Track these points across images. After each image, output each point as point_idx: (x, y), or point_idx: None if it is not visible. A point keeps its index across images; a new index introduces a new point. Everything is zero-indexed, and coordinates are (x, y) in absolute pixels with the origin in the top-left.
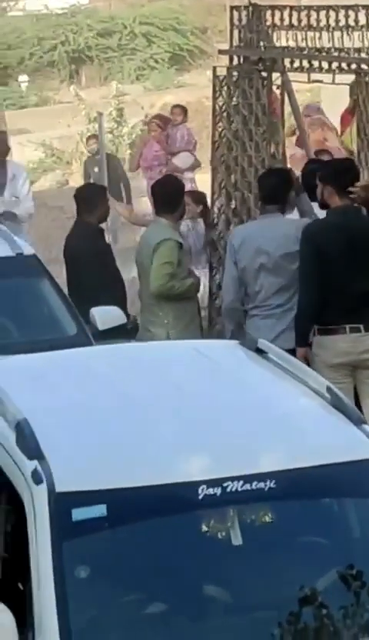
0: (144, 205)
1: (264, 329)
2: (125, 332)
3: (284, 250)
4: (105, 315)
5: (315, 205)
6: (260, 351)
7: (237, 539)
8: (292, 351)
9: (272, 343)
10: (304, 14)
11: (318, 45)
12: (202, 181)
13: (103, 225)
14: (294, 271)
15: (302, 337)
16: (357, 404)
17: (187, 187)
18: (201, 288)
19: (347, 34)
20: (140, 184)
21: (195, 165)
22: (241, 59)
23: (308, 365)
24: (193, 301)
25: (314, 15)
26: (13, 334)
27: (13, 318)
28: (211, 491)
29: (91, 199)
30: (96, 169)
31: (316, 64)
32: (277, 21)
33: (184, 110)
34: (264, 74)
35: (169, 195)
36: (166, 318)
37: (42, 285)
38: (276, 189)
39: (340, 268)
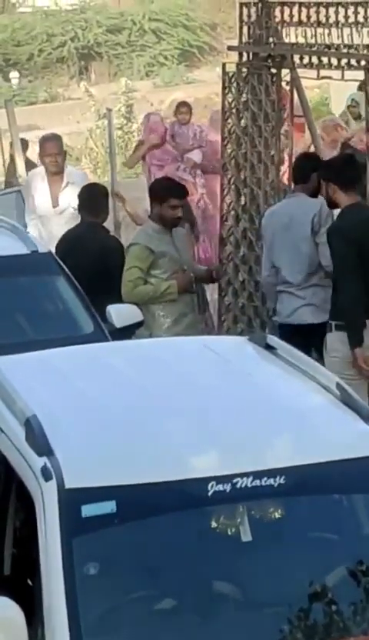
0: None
1: (287, 304)
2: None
3: (300, 228)
4: (122, 313)
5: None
6: (269, 347)
7: (246, 535)
8: (306, 327)
9: (289, 318)
10: (313, 10)
11: (328, 42)
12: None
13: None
14: (307, 250)
15: (357, 336)
16: None
17: (199, 182)
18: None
19: (357, 30)
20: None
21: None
22: (251, 55)
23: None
24: (180, 301)
25: (323, 11)
26: (29, 332)
27: (29, 316)
28: (220, 487)
29: (96, 201)
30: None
31: (325, 60)
32: (286, 17)
33: (190, 108)
34: (274, 70)
35: (151, 198)
36: (150, 317)
37: (58, 283)
38: (300, 170)
39: (363, 263)
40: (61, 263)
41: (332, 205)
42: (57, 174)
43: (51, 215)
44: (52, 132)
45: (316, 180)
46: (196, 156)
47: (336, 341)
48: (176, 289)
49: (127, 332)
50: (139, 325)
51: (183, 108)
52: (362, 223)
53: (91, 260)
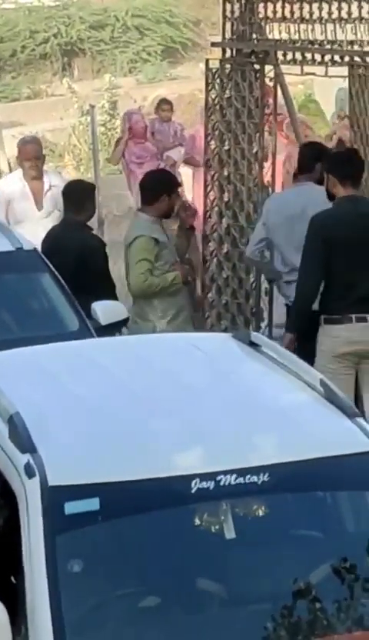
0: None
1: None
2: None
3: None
4: (107, 310)
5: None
6: (253, 344)
7: (230, 533)
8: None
9: None
10: (296, 6)
11: (311, 38)
12: (185, 174)
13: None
14: None
15: (295, 323)
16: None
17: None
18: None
19: (340, 26)
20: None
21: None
22: (234, 52)
23: (294, 352)
24: (180, 293)
25: (306, 7)
26: (14, 330)
27: (14, 313)
28: (204, 484)
29: (79, 198)
30: None
31: (309, 56)
32: (269, 13)
33: (171, 105)
34: (257, 66)
35: (147, 189)
36: (152, 311)
37: (43, 280)
38: (304, 159)
39: (349, 257)
40: (47, 260)
41: (331, 197)
42: (37, 178)
43: (36, 218)
44: (31, 135)
45: (319, 170)
46: (176, 154)
47: (322, 334)
48: (180, 279)
49: (112, 329)
50: (125, 322)
51: (165, 105)
52: (339, 216)
53: (72, 259)
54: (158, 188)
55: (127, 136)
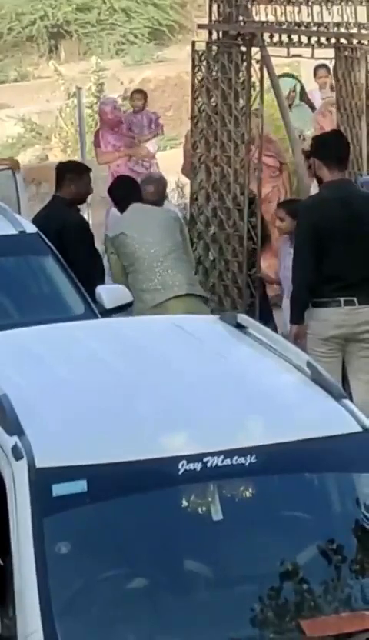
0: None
1: None
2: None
3: None
4: (112, 294)
5: None
6: (240, 326)
7: (217, 514)
8: None
9: None
10: None
11: (297, 20)
12: (176, 155)
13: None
14: None
15: (298, 314)
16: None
17: (155, 170)
18: None
19: (327, 8)
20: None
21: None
22: (220, 34)
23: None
24: None
25: None
26: (19, 314)
27: (18, 297)
28: (191, 466)
29: (60, 175)
30: None
31: (295, 38)
32: None
33: (145, 95)
34: (244, 48)
35: None
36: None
37: (47, 264)
38: None
39: (337, 242)
40: (50, 243)
41: (318, 181)
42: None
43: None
44: (158, 173)
45: None
46: (152, 146)
47: (310, 318)
48: None
49: (117, 313)
50: (129, 305)
51: (137, 94)
52: (325, 201)
53: (53, 236)
54: None
55: (99, 126)
